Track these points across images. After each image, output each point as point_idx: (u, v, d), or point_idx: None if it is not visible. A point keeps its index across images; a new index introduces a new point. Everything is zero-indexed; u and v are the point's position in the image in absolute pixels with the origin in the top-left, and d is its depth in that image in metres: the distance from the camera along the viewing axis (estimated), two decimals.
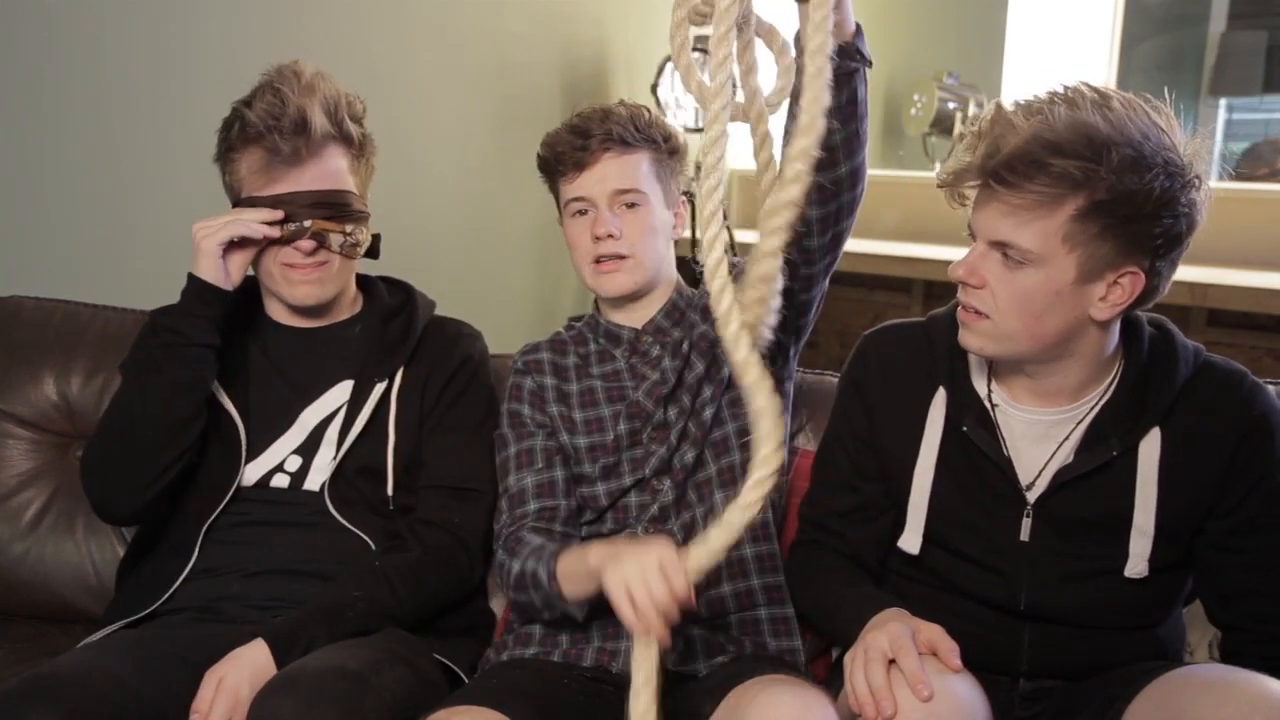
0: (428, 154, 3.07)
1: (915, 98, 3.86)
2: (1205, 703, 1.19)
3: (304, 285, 1.62)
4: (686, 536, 1.50)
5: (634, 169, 1.57)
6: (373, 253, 1.71)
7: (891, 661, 1.23)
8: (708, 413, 1.56)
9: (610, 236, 1.54)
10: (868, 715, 1.21)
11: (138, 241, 2.54)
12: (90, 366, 1.87)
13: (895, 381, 1.48)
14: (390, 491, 1.62)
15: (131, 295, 2.05)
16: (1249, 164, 3.64)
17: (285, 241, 1.58)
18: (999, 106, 1.32)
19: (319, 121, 1.57)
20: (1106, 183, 1.23)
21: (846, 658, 1.28)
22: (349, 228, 1.61)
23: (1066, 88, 1.30)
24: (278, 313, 1.70)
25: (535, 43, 3.38)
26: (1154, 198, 1.24)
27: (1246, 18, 4.36)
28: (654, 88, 3.48)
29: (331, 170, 1.60)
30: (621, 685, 1.48)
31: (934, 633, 1.26)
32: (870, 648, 1.25)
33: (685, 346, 1.59)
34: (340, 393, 1.65)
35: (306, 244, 1.59)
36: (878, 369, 1.50)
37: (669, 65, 3.47)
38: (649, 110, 1.63)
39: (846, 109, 1.36)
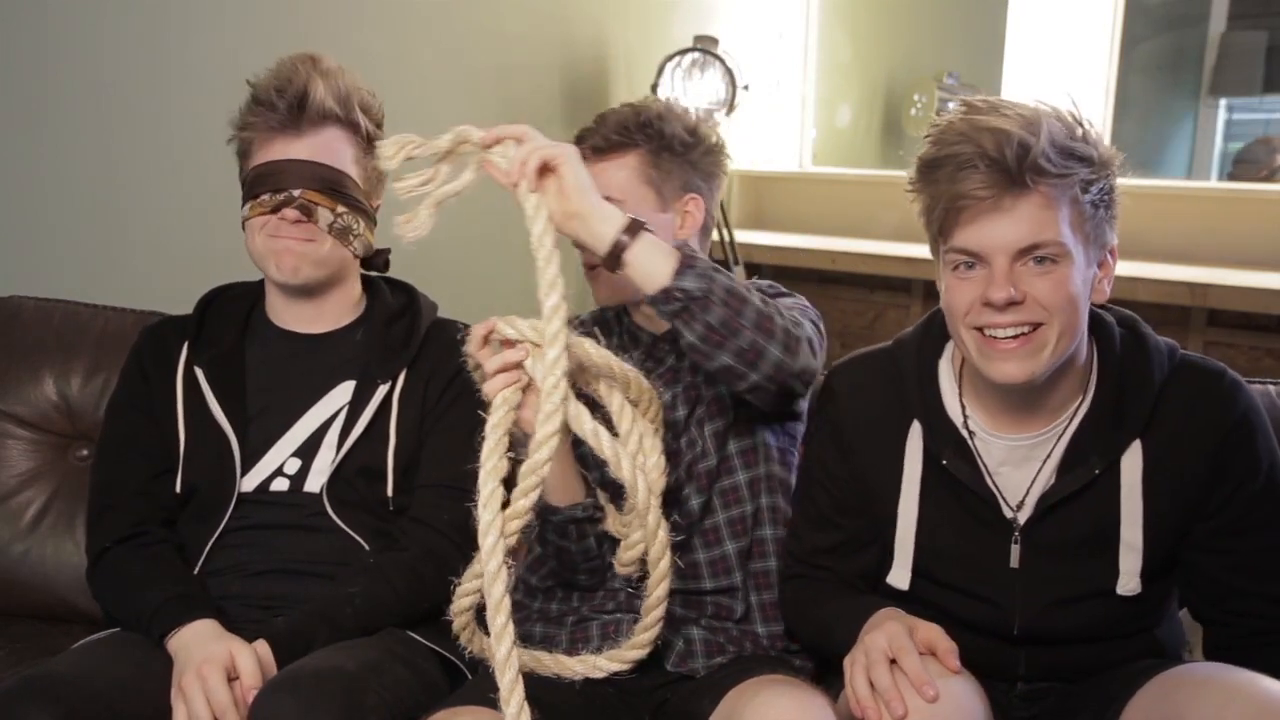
0: None
1: (915, 98, 3.86)
2: (1206, 703, 1.18)
3: (288, 257, 1.58)
4: (686, 578, 1.48)
5: (611, 174, 1.54)
6: (381, 266, 1.70)
7: (892, 662, 1.23)
8: (712, 452, 1.53)
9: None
10: (869, 718, 1.20)
11: (138, 241, 2.54)
12: (90, 366, 1.87)
13: (868, 417, 1.45)
14: (390, 493, 1.62)
15: (131, 295, 2.05)
16: (1244, 169, 3.63)
17: (272, 210, 1.56)
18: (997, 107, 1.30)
19: (321, 96, 1.57)
20: (1095, 161, 1.27)
21: (846, 660, 1.28)
22: (340, 209, 1.59)
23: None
24: (279, 316, 1.69)
25: (535, 43, 3.38)
26: (1112, 175, 1.30)
27: (1246, 18, 4.35)
28: (654, 88, 3.48)
29: (331, 149, 1.59)
30: (621, 687, 1.48)
31: (932, 632, 1.26)
32: (870, 649, 1.24)
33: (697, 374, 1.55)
34: (341, 394, 1.64)
35: (291, 213, 1.57)
36: (849, 405, 1.46)
37: (669, 65, 3.47)
38: (651, 105, 1.60)
39: (711, 340, 1.31)
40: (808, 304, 1.52)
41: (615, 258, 1.31)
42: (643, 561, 1.42)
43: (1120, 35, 3.45)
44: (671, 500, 1.49)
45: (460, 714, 1.33)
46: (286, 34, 2.71)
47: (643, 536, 1.36)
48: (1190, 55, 4.42)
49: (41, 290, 2.00)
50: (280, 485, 1.60)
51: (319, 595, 1.52)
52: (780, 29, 4.07)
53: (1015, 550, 1.37)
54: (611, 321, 1.64)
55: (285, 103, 1.57)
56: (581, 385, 1.35)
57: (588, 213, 1.30)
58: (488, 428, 1.29)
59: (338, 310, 1.69)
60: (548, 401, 1.24)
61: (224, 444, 1.60)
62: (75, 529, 1.82)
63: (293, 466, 1.61)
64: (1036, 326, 1.27)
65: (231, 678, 1.37)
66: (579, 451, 1.48)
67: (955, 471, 1.38)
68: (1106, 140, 1.34)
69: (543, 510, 1.44)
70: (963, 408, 1.40)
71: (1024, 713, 1.44)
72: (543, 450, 1.25)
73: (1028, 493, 1.37)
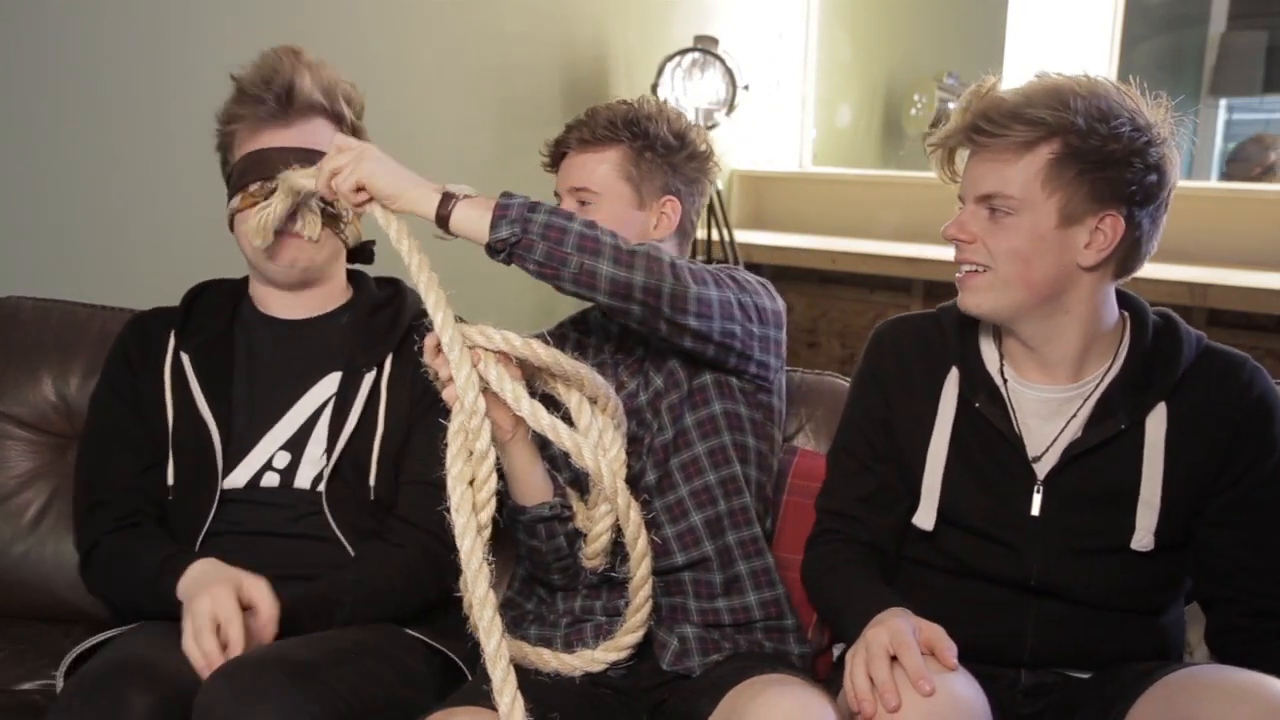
0: (428, 154, 3.07)
1: (915, 98, 3.86)
2: (1214, 705, 1.19)
3: (284, 252, 1.58)
4: (658, 556, 1.48)
5: (592, 167, 1.57)
6: (366, 257, 1.70)
7: (893, 658, 1.23)
8: (668, 425, 1.54)
9: None
10: (866, 712, 1.21)
11: (137, 241, 2.54)
12: (88, 367, 1.87)
13: (909, 365, 1.52)
14: (372, 482, 1.60)
15: (131, 295, 2.04)
16: (1239, 167, 3.63)
17: (264, 199, 1.55)
18: (980, 84, 1.42)
19: (308, 87, 1.59)
20: (1077, 128, 1.33)
21: (848, 655, 1.29)
22: None
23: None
24: (265, 304, 1.68)
25: (535, 43, 3.38)
26: (1124, 143, 1.33)
27: (1246, 18, 4.35)
28: (654, 88, 3.48)
29: (318, 139, 1.58)
30: (619, 689, 1.48)
31: (934, 632, 1.27)
32: (871, 644, 1.25)
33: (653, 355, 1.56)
34: (329, 385, 1.63)
35: None
36: (892, 355, 1.54)
37: (669, 65, 3.47)
38: (643, 104, 1.61)
39: (547, 273, 1.37)
40: (751, 276, 1.56)
41: (444, 225, 1.39)
42: (608, 554, 1.46)
43: (1120, 35, 3.45)
44: (630, 478, 1.50)
45: (457, 714, 1.33)
46: (286, 34, 2.68)
47: (607, 528, 1.43)
48: (1190, 55, 4.42)
49: (40, 290, 1.99)
50: (270, 480, 1.59)
51: (313, 584, 1.49)
52: (780, 29, 4.08)
53: (1037, 498, 1.43)
54: (592, 320, 1.67)
55: (273, 94, 1.57)
56: (540, 385, 1.41)
57: (407, 196, 1.40)
58: (449, 434, 1.32)
59: (323, 297, 1.68)
60: (452, 354, 1.31)
61: (208, 440, 1.57)
62: None
63: (282, 460, 1.59)
64: (986, 269, 1.39)
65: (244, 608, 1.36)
66: (548, 453, 1.50)
67: (987, 414, 1.45)
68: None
69: (511, 510, 1.47)
70: (1000, 359, 1.48)
71: (1026, 709, 1.45)
72: (468, 394, 1.31)
73: (1053, 444, 1.43)
